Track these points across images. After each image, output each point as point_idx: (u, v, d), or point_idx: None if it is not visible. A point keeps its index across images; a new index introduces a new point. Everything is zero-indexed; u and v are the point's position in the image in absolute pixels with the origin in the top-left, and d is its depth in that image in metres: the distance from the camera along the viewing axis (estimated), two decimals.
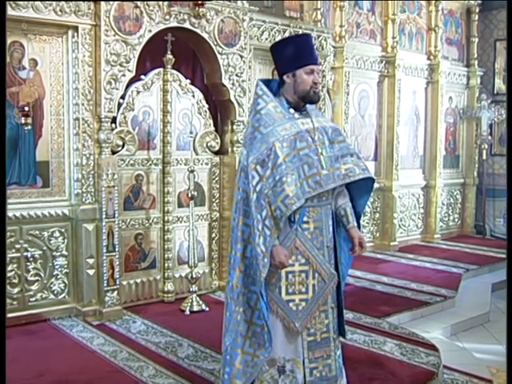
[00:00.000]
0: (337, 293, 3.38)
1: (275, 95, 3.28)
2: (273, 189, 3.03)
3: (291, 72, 3.22)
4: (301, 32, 6.72)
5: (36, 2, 4.87)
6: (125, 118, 5.61)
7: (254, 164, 3.08)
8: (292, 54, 3.22)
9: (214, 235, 6.30)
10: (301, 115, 3.28)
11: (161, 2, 5.47)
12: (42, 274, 5.24)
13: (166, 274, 5.94)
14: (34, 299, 5.20)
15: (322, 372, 3.26)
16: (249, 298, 3.16)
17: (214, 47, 5.94)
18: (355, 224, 3.38)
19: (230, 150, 6.29)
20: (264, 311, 3.10)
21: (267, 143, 3.09)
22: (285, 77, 3.25)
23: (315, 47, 3.38)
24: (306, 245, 3.19)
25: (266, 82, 3.34)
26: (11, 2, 4.71)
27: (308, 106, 3.35)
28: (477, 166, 10.35)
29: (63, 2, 5.00)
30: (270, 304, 3.17)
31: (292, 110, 3.27)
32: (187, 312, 5.53)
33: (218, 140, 6.28)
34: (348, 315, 5.42)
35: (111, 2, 5.16)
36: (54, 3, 4.95)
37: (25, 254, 5.11)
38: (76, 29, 5.16)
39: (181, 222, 6.05)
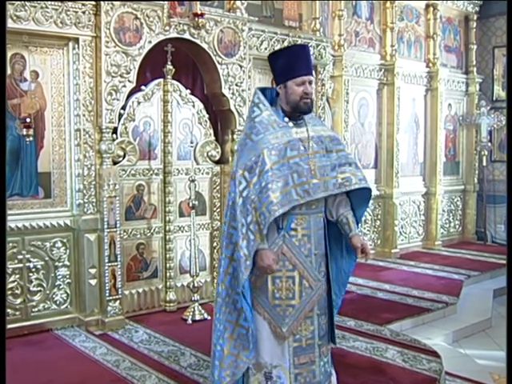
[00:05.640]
0: (328, 300, 3.38)
1: (272, 104, 3.32)
2: (258, 195, 3.08)
3: (283, 83, 3.26)
4: (299, 41, 6.77)
5: (37, 15, 4.91)
6: (126, 128, 5.65)
7: (242, 170, 3.16)
8: (283, 65, 3.26)
9: (215, 244, 6.30)
10: (296, 124, 3.30)
11: (160, 13, 5.52)
12: (45, 285, 5.26)
13: (167, 284, 5.95)
14: (36, 309, 5.22)
15: (306, 378, 3.26)
16: (235, 300, 3.20)
17: (213, 57, 5.98)
18: (357, 232, 3.37)
19: (230, 159, 6.29)
20: (247, 313, 3.12)
21: (256, 150, 3.15)
22: (277, 88, 3.31)
23: (311, 56, 3.38)
24: (292, 251, 3.21)
25: (264, 91, 3.37)
26: (12, 15, 4.76)
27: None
28: (477, 172, 10.37)
29: (64, 15, 5.04)
30: (257, 308, 3.21)
31: (287, 119, 3.29)
32: (189, 321, 5.53)
33: (219, 149, 6.31)
34: (350, 322, 5.44)
35: (111, 14, 5.21)
36: (55, 15, 5.00)
37: (27, 264, 5.13)
38: (77, 40, 5.21)
39: (182, 232, 6.07)
